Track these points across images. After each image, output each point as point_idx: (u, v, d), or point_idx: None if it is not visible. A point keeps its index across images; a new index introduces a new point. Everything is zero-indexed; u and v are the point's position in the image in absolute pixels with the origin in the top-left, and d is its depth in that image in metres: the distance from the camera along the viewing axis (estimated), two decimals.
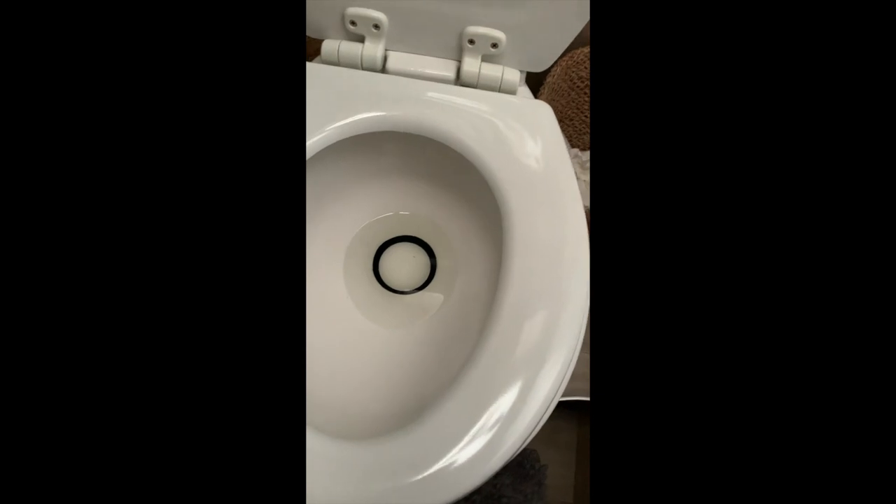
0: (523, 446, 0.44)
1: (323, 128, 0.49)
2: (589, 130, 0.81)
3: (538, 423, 0.43)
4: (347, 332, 0.60)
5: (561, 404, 0.61)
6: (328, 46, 0.53)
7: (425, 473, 0.40)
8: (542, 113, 0.51)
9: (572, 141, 0.81)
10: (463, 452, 0.40)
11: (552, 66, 0.70)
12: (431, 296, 0.64)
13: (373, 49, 0.53)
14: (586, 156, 0.79)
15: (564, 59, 0.70)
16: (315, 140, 0.48)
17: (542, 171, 0.49)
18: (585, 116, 0.78)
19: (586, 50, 0.70)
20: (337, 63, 0.54)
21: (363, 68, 0.53)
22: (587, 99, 0.76)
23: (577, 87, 0.74)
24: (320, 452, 0.40)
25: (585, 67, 0.71)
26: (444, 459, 0.40)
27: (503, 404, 0.41)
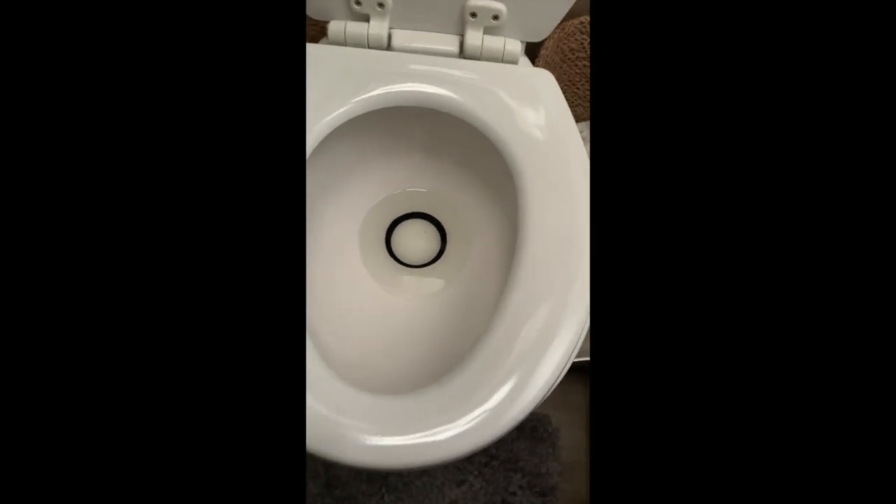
0: (536, 407, 0.47)
1: (342, 103, 0.51)
2: (579, 102, 0.84)
3: (550, 388, 0.46)
4: (366, 300, 0.62)
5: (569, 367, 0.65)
6: (334, 27, 0.55)
7: (451, 425, 0.42)
8: (545, 80, 0.54)
9: None
10: (485, 410, 0.42)
11: (545, 39, 0.73)
12: (442, 270, 0.66)
13: (378, 27, 0.55)
14: (580, 126, 0.82)
15: (556, 31, 0.73)
16: (336, 115, 0.50)
17: (549, 137, 0.51)
18: (577, 88, 0.81)
19: (576, 21, 0.73)
20: (344, 43, 0.55)
21: (369, 47, 0.55)
22: (577, 71, 0.79)
23: (569, 59, 0.76)
24: (345, 401, 0.42)
25: (576, 39, 0.74)
26: (468, 416, 0.42)
27: (515, 376, 0.44)
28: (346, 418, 0.41)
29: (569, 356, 0.46)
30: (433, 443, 0.42)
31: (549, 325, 0.45)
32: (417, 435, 0.42)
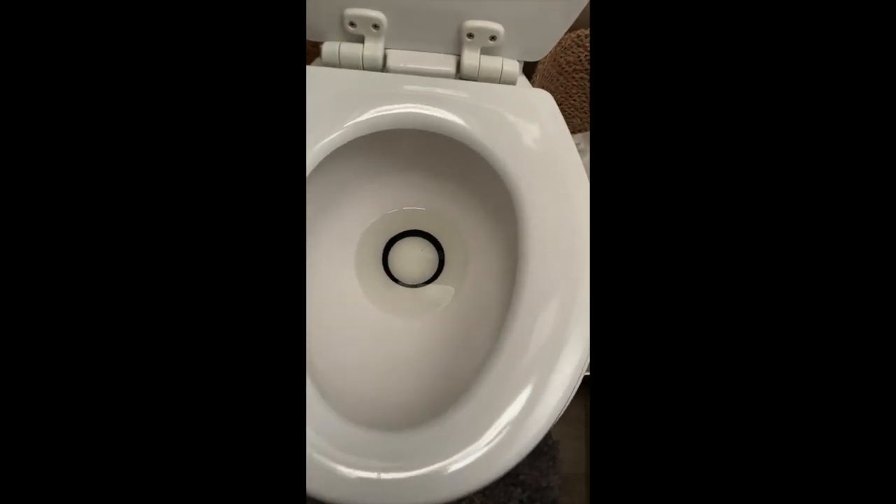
0: (553, 424, 0.46)
1: (337, 127, 0.50)
2: (575, 114, 0.83)
3: (560, 410, 0.45)
4: (362, 324, 0.61)
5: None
6: (329, 48, 0.54)
7: (446, 463, 0.41)
8: (543, 100, 0.53)
9: None
10: (486, 446, 0.41)
11: None
12: (442, 288, 0.65)
13: (373, 48, 0.54)
14: (577, 138, 0.81)
15: None
16: (331, 139, 0.49)
17: (548, 159, 0.50)
18: (573, 100, 0.80)
19: (573, 35, 0.72)
20: (338, 64, 0.54)
21: (364, 68, 0.54)
22: (574, 83, 0.78)
23: (566, 71, 0.75)
24: (342, 437, 0.41)
25: (573, 52, 0.73)
26: (465, 452, 0.41)
27: (523, 400, 0.43)
28: (345, 455, 0.41)
29: (583, 363, 0.45)
30: (444, 476, 0.41)
31: (557, 333, 0.44)
32: (426, 470, 0.41)
